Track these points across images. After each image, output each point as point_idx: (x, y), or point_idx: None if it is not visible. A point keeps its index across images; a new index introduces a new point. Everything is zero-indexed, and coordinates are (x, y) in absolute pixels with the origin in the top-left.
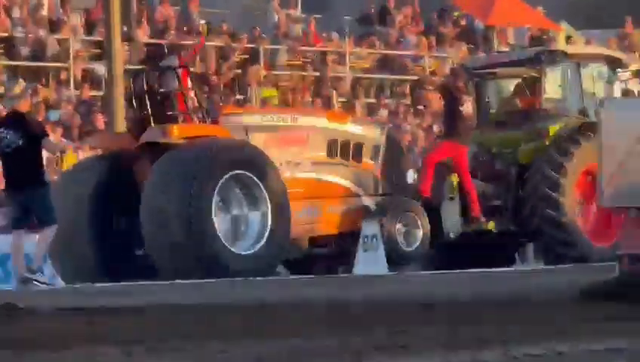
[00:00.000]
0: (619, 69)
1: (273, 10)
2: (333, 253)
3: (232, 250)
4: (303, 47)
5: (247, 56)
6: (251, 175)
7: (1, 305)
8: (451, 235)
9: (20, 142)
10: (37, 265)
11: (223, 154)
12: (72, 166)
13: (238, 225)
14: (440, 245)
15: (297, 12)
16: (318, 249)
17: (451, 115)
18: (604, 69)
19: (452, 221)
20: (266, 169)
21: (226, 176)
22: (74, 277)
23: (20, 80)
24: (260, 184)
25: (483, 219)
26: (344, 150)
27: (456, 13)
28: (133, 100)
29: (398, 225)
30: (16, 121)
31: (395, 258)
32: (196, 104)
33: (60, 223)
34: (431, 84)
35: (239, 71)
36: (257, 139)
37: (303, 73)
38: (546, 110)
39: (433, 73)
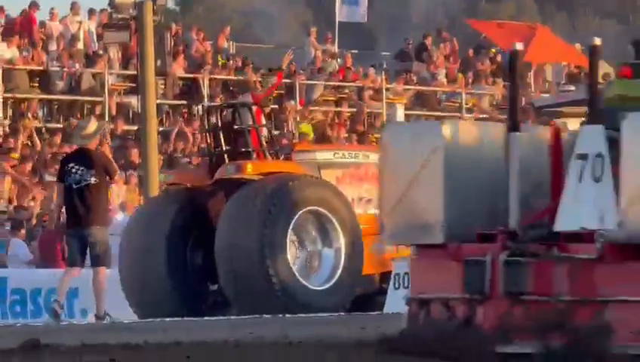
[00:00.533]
0: None
1: (310, 45)
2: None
3: (306, 284)
4: (340, 83)
5: (283, 92)
6: (326, 211)
7: (26, 341)
8: None
9: (92, 180)
10: (102, 310)
11: (298, 191)
12: (146, 201)
13: (312, 261)
14: None
15: (334, 48)
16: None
17: None
18: None
19: None
20: (340, 205)
21: (301, 212)
22: (149, 312)
23: (93, 118)
24: (334, 220)
25: None
26: None
27: (493, 50)
28: (207, 136)
29: None
30: (88, 157)
31: None
32: (269, 141)
33: (136, 257)
34: None
35: (276, 106)
36: (329, 176)
37: (339, 109)
38: None
39: (469, 110)
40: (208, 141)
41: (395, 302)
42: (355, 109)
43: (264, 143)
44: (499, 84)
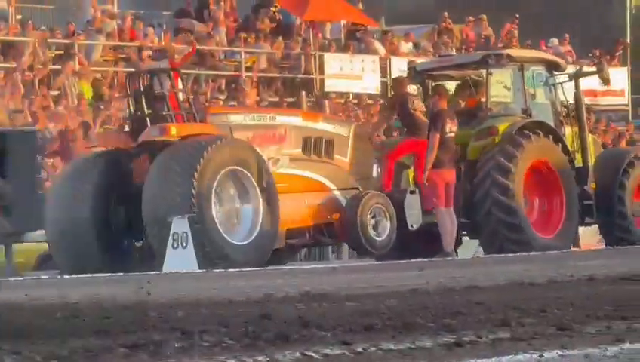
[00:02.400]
0: (555, 72)
1: (89, 5)
2: (308, 243)
3: (229, 240)
4: (119, 43)
5: (61, 52)
6: (245, 171)
7: None
8: (413, 226)
9: None
10: None
11: (221, 151)
12: (71, 162)
13: (231, 218)
14: (400, 236)
15: (114, 7)
16: (294, 240)
17: (407, 115)
18: (543, 72)
19: (413, 213)
20: (258, 165)
21: (223, 171)
22: (76, 268)
23: None
24: (253, 179)
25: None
26: (317, 147)
27: (273, 9)
28: (130, 100)
29: (369, 217)
30: None
31: (369, 247)
32: (187, 104)
33: (62, 217)
34: None
35: (57, 67)
36: (241, 137)
37: (118, 69)
38: (491, 110)
39: (249, 68)
40: (130, 106)
41: (174, 261)
42: (133, 69)
43: (182, 107)
44: (279, 42)
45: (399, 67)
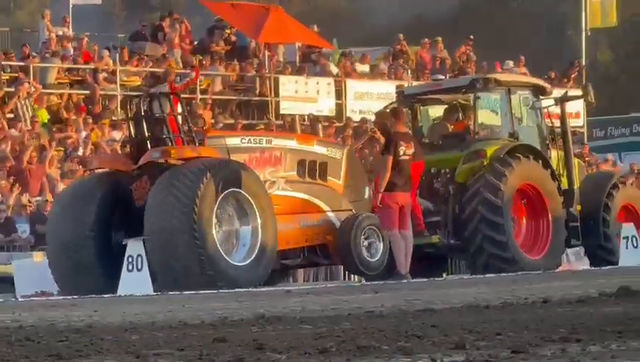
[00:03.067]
0: (541, 96)
1: (45, 28)
2: (302, 264)
3: (230, 261)
4: (74, 65)
5: (16, 75)
6: (244, 193)
7: None
8: None
9: None
10: None
11: (221, 174)
12: (73, 183)
13: (230, 239)
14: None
15: (69, 30)
16: (288, 261)
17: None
18: (530, 96)
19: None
20: (257, 187)
21: (224, 193)
22: (75, 287)
23: None
24: (252, 201)
25: (427, 233)
26: (311, 169)
27: (227, 31)
28: (131, 124)
29: (362, 238)
30: None
31: (363, 268)
32: (186, 128)
33: (64, 236)
34: None
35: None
36: (238, 160)
37: (73, 91)
38: (479, 133)
39: (204, 91)
40: (131, 129)
41: (129, 284)
42: (88, 91)
43: (182, 130)
44: (234, 65)
45: (354, 89)
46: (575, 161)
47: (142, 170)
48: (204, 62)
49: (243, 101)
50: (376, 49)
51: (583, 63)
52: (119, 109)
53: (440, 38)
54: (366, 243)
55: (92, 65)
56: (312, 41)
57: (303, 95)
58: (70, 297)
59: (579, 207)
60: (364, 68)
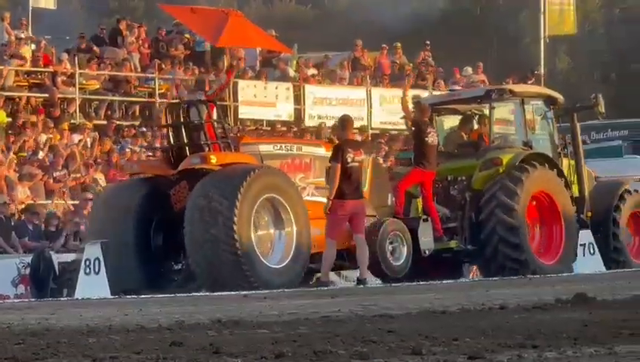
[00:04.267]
0: (553, 106)
1: (3, 31)
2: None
3: (267, 263)
4: (32, 68)
5: None
6: (280, 198)
7: None
8: (426, 252)
9: None
10: None
11: (259, 179)
12: (113, 187)
13: (265, 242)
14: (415, 260)
15: (28, 33)
16: (314, 264)
17: (418, 145)
18: (542, 106)
19: (426, 240)
20: (293, 193)
21: (262, 198)
22: (116, 288)
23: None
24: (288, 206)
25: (445, 239)
26: None
27: (187, 35)
28: (169, 131)
29: (387, 243)
30: None
31: (388, 272)
32: (223, 134)
33: (104, 239)
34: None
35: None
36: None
37: (32, 94)
38: (494, 142)
39: (162, 95)
40: (169, 136)
41: (86, 287)
42: (47, 95)
43: (218, 136)
44: (193, 69)
45: (313, 94)
46: (585, 170)
47: (181, 175)
48: (163, 66)
49: None
50: (335, 54)
51: (542, 71)
52: (78, 112)
53: (399, 44)
54: (390, 247)
55: (51, 69)
56: (271, 45)
57: (261, 100)
58: (27, 300)
59: (589, 214)
60: (319, 72)
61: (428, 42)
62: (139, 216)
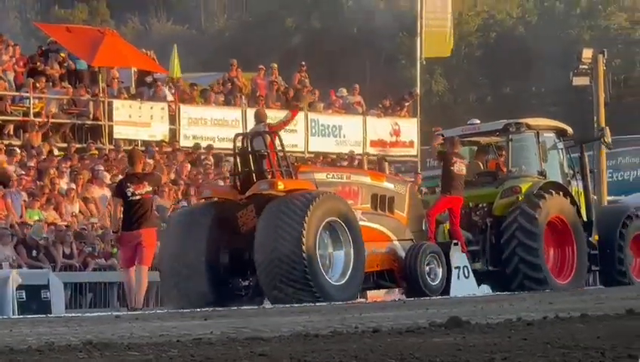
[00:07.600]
0: (563, 138)
1: None
2: (370, 287)
3: (329, 280)
4: None
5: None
6: (340, 221)
7: None
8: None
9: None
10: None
11: (324, 204)
12: (186, 209)
13: (325, 261)
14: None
15: None
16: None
17: (446, 174)
18: (554, 137)
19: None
20: (351, 217)
21: (326, 220)
22: (186, 305)
23: None
24: (346, 229)
25: (470, 261)
26: (382, 203)
27: (62, 54)
28: (237, 159)
29: (425, 265)
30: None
31: (426, 291)
32: (284, 162)
33: (176, 258)
34: None
35: None
36: None
37: None
38: (511, 171)
39: (37, 114)
40: (237, 163)
41: None
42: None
43: (281, 164)
44: (68, 88)
45: (188, 114)
46: (591, 196)
47: (248, 200)
48: (37, 84)
49: (77, 125)
50: (210, 75)
51: (418, 92)
52: None
53: (275, 65)
54: (427, 268)
55: None
56: (146, 65)
57: (136, 120)
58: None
59: (596, 237)
60: (198, 93)
61: (303, 63)
62: (208, 237)
